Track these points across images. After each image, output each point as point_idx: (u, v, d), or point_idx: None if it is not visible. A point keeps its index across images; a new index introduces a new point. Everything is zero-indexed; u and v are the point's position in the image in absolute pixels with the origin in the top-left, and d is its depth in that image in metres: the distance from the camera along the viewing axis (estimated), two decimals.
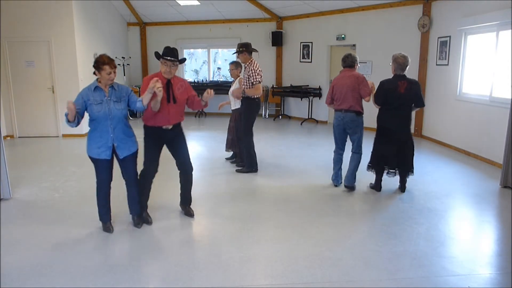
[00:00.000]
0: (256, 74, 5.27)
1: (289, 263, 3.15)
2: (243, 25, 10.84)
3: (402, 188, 4.80)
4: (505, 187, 4.97)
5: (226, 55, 12.59)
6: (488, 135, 6.08)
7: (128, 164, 3.63)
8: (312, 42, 10.01)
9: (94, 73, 3.43)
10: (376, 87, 4.66)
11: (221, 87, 10.58)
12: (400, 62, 4.43)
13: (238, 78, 5.74)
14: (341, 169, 5.01)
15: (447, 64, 7.20)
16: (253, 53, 5.45)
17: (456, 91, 6.96)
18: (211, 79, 11.71)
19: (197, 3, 9.78)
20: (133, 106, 3.53)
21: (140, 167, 3.81)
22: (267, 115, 11.03)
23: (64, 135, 8.22)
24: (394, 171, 4.77)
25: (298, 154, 6.80)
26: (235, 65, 5.81)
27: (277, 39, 10.47)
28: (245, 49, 5.33)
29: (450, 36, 7.08)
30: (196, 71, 13.01)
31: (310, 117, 10.12)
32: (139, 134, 3.74)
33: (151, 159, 3.82)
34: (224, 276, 2.98)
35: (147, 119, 3.75)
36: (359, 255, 3.28)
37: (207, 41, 11.33)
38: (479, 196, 4.72)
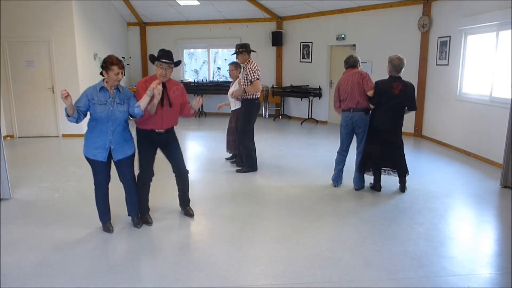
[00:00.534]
0: (253, 72, 5.29)
1: (289, 263, 3.15)
2: (243, 25, 10.84)
3: (402, 188, 4.80)
4: (505, 187, 4.97)
5: (226, 55, 12.59)
6: (488, 135, 6.08)
7: (124, 167, 3.61)
8: (312, 42, 10.01)
9: (101, 73, 3.42)
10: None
11: (221, 87, 10.60)
12: (395, 64, 4.46)
13: (238, 79, 5.74)
14: (343, 170, 5.01)
15: (447, 64, 7.20)
16: (251, 53, 5.45)
17: (456, 91, 6.96)
18: (211, 79, 11.71)
19: (197, 3, 9.78)
20: (131, 110, 3.51)
21: (136, 170, 3.81)
22: (267, 115, 11.02)
23: (64, 135, 8.23)
24: (388, 169, 4.82)
25: (298, 154, 6.80)
26: (234, 66, 5.81)
27: (277, 39, 10.47)
28: (244, 49, 5.35)
29: (450, 36, 7.08)
30: (196, 71, 13.00)
31: (310, 117, 10.12)
32: (136, 136, 3.74)
33: (146, 163, 3.80)
34: (224, 276, 2.98)
35: (140, 122, 3.70)
36: (359, 255, 3.28)
37: (207, 41, 11.33)
38: (479, 196, 4.72)
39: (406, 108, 4.59)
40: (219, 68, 12.52)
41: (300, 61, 10.35)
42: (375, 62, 8.65)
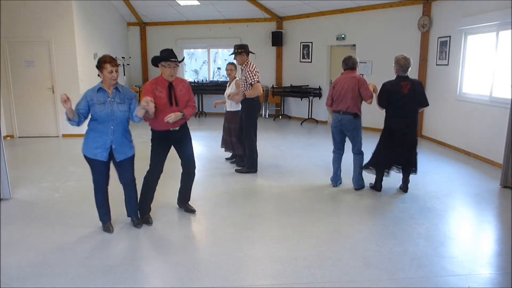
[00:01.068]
0: (253, 74, 5.25)
1: (289, 263, 3.15)
2: (243, 25, 10.84)
3: (405, 188, 4.79)
4: (505, 187, 4.97)
5: (226, 55, 12.59)
6: (488, 135, 6.08)
7: (124, 168, 3.61)
8: (312, 42, 10.01)
9: (98, 75, 3.43)
10: (378, 89, 4.67)
11: (221, 87, 10.59)
12: (401, 64, 4.46)
13: (235, 80, 5.72)
14: (341, 169, 5.01)
15: (447, 64, 7.20)
16: (250, 55, 5.42)
17: (456, 91, 6.96)
18: (211, 79, 11.72)
19: (197, 3, 9.78)
20: (130, 115, 3.53)
21: (138, 171, 3.81)
22: (267, 115, 11.02)
23: (64, 135, 8.23)
24: (399, 167, 4.78)
25: (298, 154, 6.80)
26: (234, 66, 5.79)
27: (277, 39, 10.46)
28: (243, 50, 5.31)
29: (450, 36, 7.08)
30: (196, 71, 13.01)
31: (310, 117, 10.12)
32: (139, 134, 3.75)
33: (158, 160, 3.83)
34: (224, 276, 2.98)
35: (154, 124, 3.74)
36: (359, 255, 3.28)
37: (207, 41, 11.33)
38: (479, 196, 4.72)
39: (418, 105, 4.57)
40: (219, 68, 12.53)
41: (300, 61, 10.35)
42: (375, 62, 8.65)
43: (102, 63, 3.34)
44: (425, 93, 4.59)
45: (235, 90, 5.59)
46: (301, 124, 9.91)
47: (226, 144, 6.04)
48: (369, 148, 4.89)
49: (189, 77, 12.24)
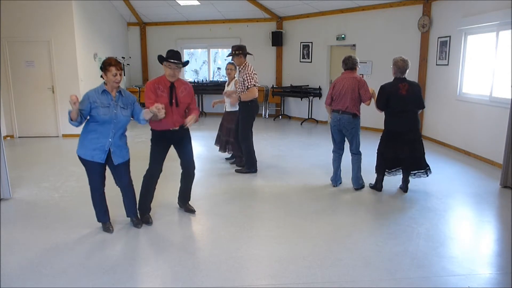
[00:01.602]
0: (251, 77, 5.24)
1: (289, 263, 3.15)
2: (243, 25, 10.84)
3: (405, 188, 4.80)
4: (505, 187, 4.97)
5: (226, 55, 12.56)
6: (488, 135, 6.08)
7: (121, 171, 3.61)
8: (312, 42, 10.01)
9: (102, 76, 3.43)
10: (376, 92, 4.69)
11: (221, 87, 10.56)
12: (399, 66, 4.48)
13: (234, 80, 5.73)
14: (341, 169, 5.01)
15: (447, 64, 7.20)
16: (248, 56, 5.41)
17: (456, 91, 6.96)
18: (211, 79, 11.71)
19: (197, 3, 9.78)
20: (136, 118, 3.55)
21: (138, 171, 3.81)
22: (267, 115, 11.02)
23: (64, 135, 8.22)
24: (396, 169, 4.79)
25: (298, 154, 6.80)
26: (234, 66, 5.77)
27: (277, 39, 10.46)
28: (241, 52, 5.30)
29: (450, 36, 7.08)
30: (196, 71, 13.00)
31: (310, 117, 10.12)
32: (138, 134, 3.74)
33: (157, 160, 3.84)
34: (224, 276, 2.98)
35: (154, 124, 3.75)
36: (359, 255, 3.28)
37: (207, 41, 11.33)
38: (479, 196, 4.72)
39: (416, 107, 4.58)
40: (219, 68, 12.52)
41: (300, 61, 10.35)
42: (375, 62, 8.65)
43: (107, 65, 3.35)
44: (421, 96, 4.61)
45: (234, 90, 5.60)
46: (301, 124, 9.91)
47: (220, 143, 6.05)
48: (368, 148, 4.89)
49: (189, 77, 12.23)
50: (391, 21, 8.33)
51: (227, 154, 6.29)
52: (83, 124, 3.48)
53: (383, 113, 4.72)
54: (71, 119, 3.31)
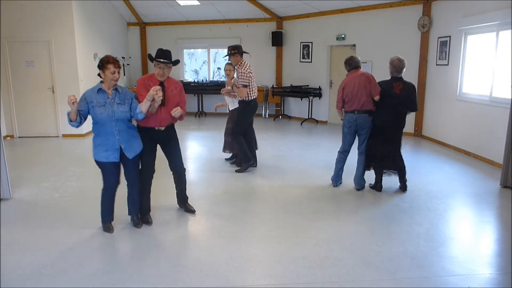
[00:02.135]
0: (245, 76, 5.27)
1: (289, 263, 3.15)
2: (243, 25, 10.84)
3: (404, 187, 4.80)
4: (505, 187, 4.97)
5: (224, 56, 12.57)
6: (488, 135, 6.08)
7: (130, 164, 3.62)
8: (312, 42, 10.01)
9: (99, 74, 3.42)
10: None
11: (221, 87, 10.56)
12: (395, 65, 4.53)
13: (233, 80, 5.74)
14: (343, 170, 5.01)
15: (447, 64, 7.20)
16: (244, 55, 5.43)
17: (456, 91, 6.96)
18: (211, 79, 11.71)
19: (197, 3, 9.78)
20: (134, 115, 3.53)
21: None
22: (267, 115, 11.02)
23: (64, 135, 8.22)
24: (389, 171, 4.84)
25: (298, 154, 6.80)
26: (233, 66, 5.76)
27: (277, 39, 10.46)
28: (236, 51, 5.33)
29: (450, 36, 7.08)
30: (196, 71, 13.00)
31: (310, 117, 10.12)
32: None
33: (147, 161, 3.81)
34: (224, 276, 2.98)
35: (141, 120, 3.68)
36: (359, 255, 3.28)
37: (207, 41, 11.32)
38: (479, 196, 4.72)
39: (407, 108, 4.63)
40: (219, 68, 12.52)
41: (300, 61, 10.34)
42: (375, 62, 8.64)
43: (105, 63, 3.35)
44: (415, 97, 4.65)
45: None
46: (301, 124, 9.90)
47: (227, 145, 6.04)
48: None
49: (189, 77, 12.23)
50: (391, 21, 8.33)
51: (227, 154, 6.28)
52: (82, 125, 3.49)
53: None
54: (70, 120, 3.32)
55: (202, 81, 11.44)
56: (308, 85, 10.10)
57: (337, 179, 5.02)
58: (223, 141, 6.12)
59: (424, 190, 4.90)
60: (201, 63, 13.00)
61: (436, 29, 7.52)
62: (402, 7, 8.07)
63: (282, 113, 10.91)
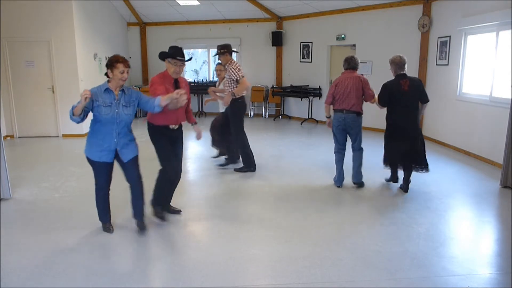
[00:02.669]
0: (237, 71, 5.25)
1: (289, 263, 3.15)
2: (243, 25, 10.84)
3: (406, 188, 4.79)
4: (505, 187, 4.97)
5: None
6: (488, 135, 6.08)
7: (130, 167, 3.53)
8: (312, 42, 10.01)
9: (106, 74, 3.35)
10: (376, 93, 4.81)
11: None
12: (397, 62, 4.59)
13: (224, 80, 5.74)
14: (343, 169, 5.02)
15: (447, 64, 7.20)
16: (233, 53, 5.46)
17: (456, 91, 6.96)
18: (211, 79, 11.71)
19: (197, 3, 9.78)
20: (149, 107, 3.43)
21: (144, 171, 3.79)
22: (267, 115, 11.02)
23: (64, 135, 8.22)
24: (418, 166, 4.83)
25: (298, 154, 6.80)
26: (223, 66, 5.72)
27: (277, 39, 10.46)
28: (226, 50, 5.33)
29: (450, 36, 7.08)
30: (196, 71, 13.00)
31: (310, 117, 10.12)
32: (140, 134, 3.73)
33: (169, 156, 3.76)
34: (224, 276, 2.97)
35: (155, 118, 3.68)
36: (359, 255, 3.28)
37: (207, 41, 11.32)
38: (479, 196, 4.72)
39: (419, 102, 4.68)
40: None
41: (300, 61, 10.34)
42: (375, 62, 8.65)
43: (115, 62, 3.28)
44: (424, 90, 4.71)
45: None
46: (301, 124, 9.90)
47: (214, 141, 6.09)
48: (370, 144, 4.89)
49: (189, 77, 12.23)
50: (391, 21, 8.33)
51: (219, 160, 6.25)
52: (82, 125, 3.47)
53: (384, 110, 4.79)
54: (73, 114, 3.18)
55: (202, 81, 11.44)
56: (308, 85, 10.10)
57: (340, 180, 5.02)
58: (211, 138, 6.16)
59: (424, 190, 4.90)
60: (201, 63, 13.00)
61: (436, 29, 7.52)
62: (402, 7, 8.07)
63: (282, 113, 10.91)
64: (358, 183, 4.94)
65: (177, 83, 3.71)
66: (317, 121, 10.09)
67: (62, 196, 4.71)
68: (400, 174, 4.93)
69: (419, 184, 5.08)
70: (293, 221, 3.98)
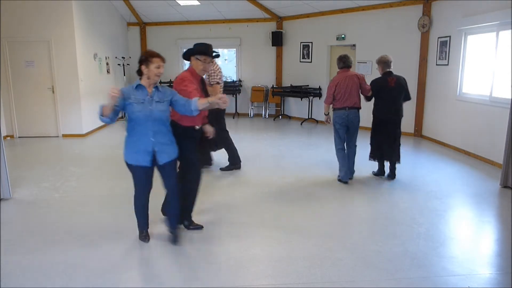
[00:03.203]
0: (217, 73, 5.30)
1: (289, 263, 3.15)
2: (243, 25, 10.84)
3: (393, 175, 5.17)
4: (505, 187, 4.97)
5: (226, 55, 12.57)
6: (488, 135, 6.08)
7: (168, 172, 3.29)
8: (312, 42, 10.01)
9: (137, 72, 3.17)
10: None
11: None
12: (385, 61, 5.00)
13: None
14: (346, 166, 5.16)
15: (447, 64, 7.20)
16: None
17: (456, 91, 6.96)
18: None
19: (197, 3, 9.78)
20: (185, 110, 3.18)
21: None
22: (267, 115, 11.03)
23: (64, 135, 8.22)
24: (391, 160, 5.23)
25: (298, 154, 6.80)
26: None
27: (277, 39, 10.46)
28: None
29: (450, 36, 7.08)
30: None
31: (310, 117, 10.12)
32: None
33: (197, 161, 3.60)
34: (224, 276, 2.97)
35: (183, 119, 3.44)
36: (359, 255, 3.28)
37: (207, 41, 11.25)
38: (479, 196, 4.72)
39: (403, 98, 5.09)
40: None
41: (300, 61, 10.34)
42: (375, 62, 8.63)
43: (150, 56, 3.08)
44: (407, 88, 5.11)
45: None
46: (301, 124, 9.90)
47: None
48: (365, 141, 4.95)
49: None
50: (391, 21, 8.33)
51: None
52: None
53: (370, 105, 5.18)
54: (102, 115, 2.98)
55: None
56: (308, 85, 10.10)
57: (347, 175, 5.13)
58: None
59: (424, 190, 4.90)
60: None
61: (436, 29, 7.52)
62: (402, 7, 8.07)
63: (282, 113, 10.91)
64: (347, 180, 5.15)
65: (203, 81, 3.60)
66: (317, 121, 10.09)
67: (62, 196, 4.71)
68: (386, 165, 5.26)
69: (419, 184, 5.08)
70: (293, 221, 3.98)
